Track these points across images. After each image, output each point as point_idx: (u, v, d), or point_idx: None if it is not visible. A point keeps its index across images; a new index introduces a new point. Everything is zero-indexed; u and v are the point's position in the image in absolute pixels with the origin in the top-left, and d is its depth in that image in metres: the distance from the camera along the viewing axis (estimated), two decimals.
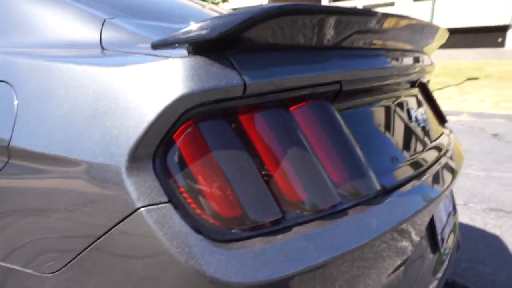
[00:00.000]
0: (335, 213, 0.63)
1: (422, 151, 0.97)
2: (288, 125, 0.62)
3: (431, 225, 0.95)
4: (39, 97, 0.66)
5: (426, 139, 1.04)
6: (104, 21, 0.84)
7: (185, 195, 0.56)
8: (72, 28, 0.87)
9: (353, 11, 0.67)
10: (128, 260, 0.56)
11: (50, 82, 0.66)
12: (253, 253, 0.54)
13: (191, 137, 0.56)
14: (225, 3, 16.42)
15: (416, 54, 1.02)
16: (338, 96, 0.72)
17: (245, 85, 0.54)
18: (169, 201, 0.54)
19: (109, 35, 0.80)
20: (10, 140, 0.67)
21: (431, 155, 0.98)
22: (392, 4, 17.90)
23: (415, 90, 1.11)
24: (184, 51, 0.56)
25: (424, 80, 1.17)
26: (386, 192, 0.72)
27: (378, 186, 0.69)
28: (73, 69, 0.63)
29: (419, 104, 1.10)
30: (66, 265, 0.62)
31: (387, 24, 0.77)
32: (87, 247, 0.59)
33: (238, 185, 0.56)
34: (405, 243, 0.73)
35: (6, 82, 0.72)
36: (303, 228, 0.59)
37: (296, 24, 0.59)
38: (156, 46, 0.57)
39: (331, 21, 0.63)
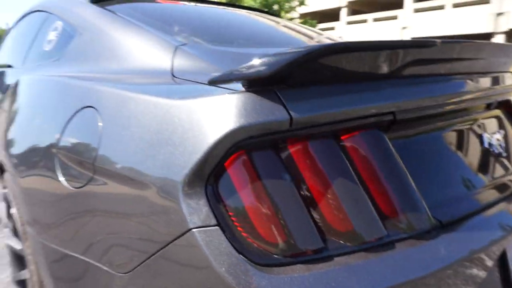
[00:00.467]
0: (381, 245, 0.62)
1: (492, 182, 0.90)
2: (337, 154, 0.63)
3: (503, 261, 0.83)
4: (118, 123, 0.75)
5: (500, 168, 0.95)
6: (176, 48, 0.92)
7: (233, 219, 0.59)
8: (147, 54, 0.97)
9: (403, 44, 0.68)
10: (184, 272, 0.61)
11: (126, 109, 0.74)
12: (293, 280, 0.55)
13: (241, 166, 0.59)
14: (302, 6, 16.32)
15: (491, 75, 0.95)
16: (394, 125, 0.71)
17: (291, 119, 0.57)
18: (217, 224, 0.57)
19: (179, 62, 0.88)
20: (95, 158, 0.76)
21: (503, 187, 0.91)
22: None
23: (495, 112, 1.02)
24: (239, 85, 0.60)
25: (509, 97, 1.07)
26: (442, 226, 0.69)
27: (432, 220, 0.67)
28: (144, 99, 0.71)
29: (500, 126, 1.01)
30: (137, 266, 0.68)
31: (445, 52, 0.75)
32: (156, 252, 0.64)
33: (282, 212, 0.58)
34: (463, 282, 0.68)
35: (93, 107, 0.82)
36: (345, 258, 0.59)
37: (346, 61, 0.61)
38: (212, 82, 0.63)
39: (382, 56, 0.65)
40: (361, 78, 0.67)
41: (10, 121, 1.29)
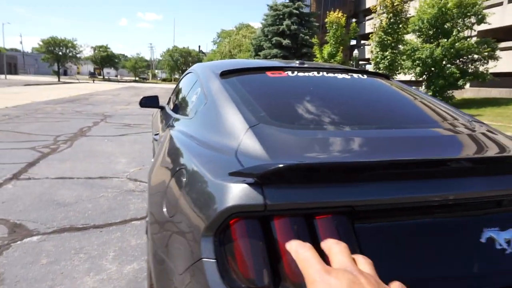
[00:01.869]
0: None
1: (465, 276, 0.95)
2: (302, 229, 0.85)
3: None
4: (182, 185, 1.16)
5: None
6: (247, 129, 1.20)
7: (228, 257, 0.86)
8: (229, 130, 1.26)
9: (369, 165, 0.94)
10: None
11: (189, 177, 1.13)
12: None
13: (236, 226, 0.86)
14: (482, 23, 15.81)
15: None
16: (363, 215, 0.90)
17: (265, 205, 0.85)
18: (216, 259, 0.86)
19: (245, 144, 1.14)
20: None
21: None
22: None
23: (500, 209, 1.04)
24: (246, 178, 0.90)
25: None
26: None
27: None
28: (199, 170, 1.09)
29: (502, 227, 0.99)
30: (186, 270, 0.94)
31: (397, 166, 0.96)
32: (192, 264, 0.92)
33: (255, 259, 0.83)
34: None
35: (183, 168, 1.22)
36: None
37: (316, 171, 0.90)
38: (231, 174, 0.93)
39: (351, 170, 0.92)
40: (328, 179, 0.90)
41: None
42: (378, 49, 19.59)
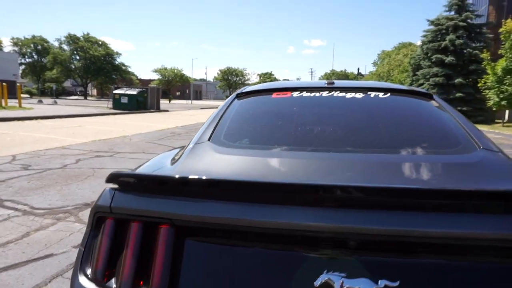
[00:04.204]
0: None
1: None
2: (135, 235, 0.95)
3: None
4: None
5: None
6: (194, 144, 1.44)
7: (89, 248, 1.02)
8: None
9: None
10: None
11: None
12: None
13: (98, 223, 1.02)
14: None
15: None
16: (200, 232, 0.95)
17: (110, 207, 0.98)
18: (84, 248, 1.02)
19: (180, 158, 1.32)
20: None
21: None
22: None
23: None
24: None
25: None
26: None
27: None
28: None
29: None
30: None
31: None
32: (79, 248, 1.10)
33: (101, 254, 0.97)
34: None
35: None
36: None
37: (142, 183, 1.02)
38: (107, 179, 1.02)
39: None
40: (154, 193, 0.98)
41: None
42: None
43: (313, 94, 1.88)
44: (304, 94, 1.88)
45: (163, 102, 35.19)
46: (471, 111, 27.30)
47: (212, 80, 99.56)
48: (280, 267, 0.89)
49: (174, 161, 1.35)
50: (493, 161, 1.24)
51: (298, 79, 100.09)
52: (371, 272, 0.83)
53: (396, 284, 0.82)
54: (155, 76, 63.81)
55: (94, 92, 73.75)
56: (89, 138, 9.55)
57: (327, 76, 74.89)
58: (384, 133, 1.56)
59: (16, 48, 53.88)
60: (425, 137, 1.51)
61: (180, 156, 1.35)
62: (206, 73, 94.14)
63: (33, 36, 54.91)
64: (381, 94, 1.84)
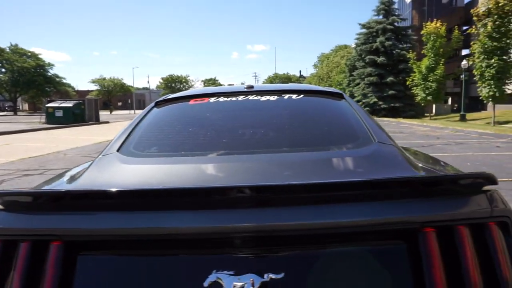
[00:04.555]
0: None
1: None
2: (18, 255, 0.90)
3: None
4: None
5: None
6: (100, 155, 1.43)
7: None
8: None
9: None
10: None
11: None
12: None
13: None
14: None
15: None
16: (91, 245, 0.93)
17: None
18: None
19: (85, 170, 1.33)
20: None
21: None
22: None
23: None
24: None
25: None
26: None
27: None
28: None
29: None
30: None
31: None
32: None
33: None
34: None
35: None
36: None
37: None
38: None
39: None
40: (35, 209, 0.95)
41: None
42: (482, 57, 17.33)
43: (229, 98, 1.92)
44: (221, 99, 1.93)
45: (104, 113, 33.67)
46: (403, 107, 29.51)
47: (155, 89, 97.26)
48: (168, 271, 0.91)
49: (77, 174, 1.33)
50: (383, 153, 1.33)
51: (242, 83, 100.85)
52: (257, 267, 0.87)
53: (281, 276, 0.86)
54: (94, 87, 60.86)
55: (26, 106, 68.46)
56: (17, 156, 8.86)
57: (270, 79, 76.49)
58: (290, 133, 1.64)
59: None
60: (327, 135, 1.60)
61: (86, 169, 1.33)
62: (148, 82, 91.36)
63: None
64: (294, 96, 1.92)
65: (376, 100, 30.02)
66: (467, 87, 23.79)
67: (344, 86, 36.39)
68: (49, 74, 49.65)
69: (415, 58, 25.14)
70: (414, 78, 25.18)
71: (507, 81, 17.00)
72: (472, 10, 18.38)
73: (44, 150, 9.97)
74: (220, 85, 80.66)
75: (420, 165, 1.37)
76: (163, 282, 0.90)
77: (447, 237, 0.91)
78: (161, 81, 59.76)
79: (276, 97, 1.91)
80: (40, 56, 49.53)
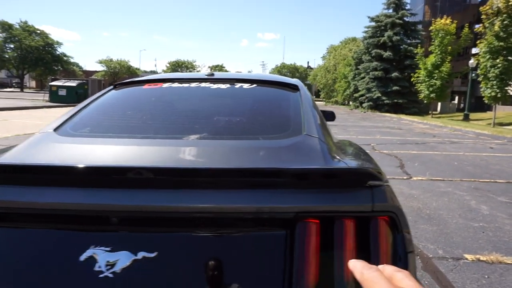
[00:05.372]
0: None
1: None
2: None
3: None
4: None
5: None
6: (36, 133, 1.45)
7: None
8: None
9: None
10: None
11: None
12: None
13: None
14: None
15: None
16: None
17: None
18: None
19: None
20: None
21: None
22: None
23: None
24: None
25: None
26: None
27: None
28: None
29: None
30: None
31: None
32: None
33: None
34: None
35: None
36: None
37: None
38: None
39: None
40: None
41: None
42: (487, 57, 17.09)
43: (182, 85, 1.97)
44: (174, 85, 1.97)
45: None
46: (406, 103, 29.22)
47: (162, 72, 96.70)
48: (48, 245, 0.96)
49: (8, 149, 1.38)
50: (301, 144, 1.33)
51: (249, 71, 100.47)
52: (131, 246, 0.92)
53: (154, 255, 0.91)
54: (101, 68, 60.98)
55: (33, 84, 68.79)
56: (13, 132, 9.02)
57: (278, 69, 76.01)
58: (221, 121, 1.66)
59: None
60: (256, 125, 1.62)
61: (17, 145, 1.38)
62: (155, 65, 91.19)
63: None
64: (246, 85, 1.93)
65: (379, 95, 29.77)
66: (474, 86, 23.50)
67: (349, 79, 36.09)
68: (57, 52, 49.76)
69: (422, 54, 24.80)
70: (419, 75, 24.90)
71: (510, 82, 16.76)
72: (481, 8, 18.04)
73: (41, 128, 10.09)
74: (227, 71, 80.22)
75: (336, 158, 1.34)
76: (44, 255, 0.95)
77: (327, 229, 0.93)
78: (168, 65, 59.59)
79: (228, 85, 1.94)
80: (48, 35, 49.61)
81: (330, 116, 3.59)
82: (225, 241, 0.97)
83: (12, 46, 47.52)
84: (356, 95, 33.15)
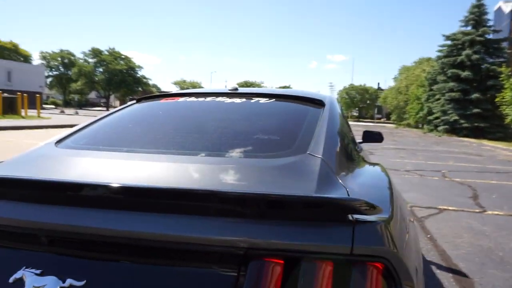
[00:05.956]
0: None
1: None
2: None
3: None
4: None
5: None
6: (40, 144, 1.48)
7: None
8: None
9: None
10: None
11: None
12: None
13: None
14: None
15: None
16: None
17: None
18: None
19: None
20: None
21: None
22: None
23: None
24: None
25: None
26: None
27: None
28: None
29: None
30: None
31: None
32: None
33: None
34: None
35: None
36: None
37: None
38: None
39: None
40: None
41: None
42: None
43: (197, 99, 1.91)
44: (190, 99, 1.92)
45: None
46: (489, 127, 26.44)
47: None
48: None
49: (8, 160, 1.37)
50: (296, 164, 1.16)
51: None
52: (62, 271, 0.84)
53: (82, 283, 0.81)
54: (175, 89, 65.30)
55: (117, 103, 76.16)
56: None
57: (345, 90, 74.43)
58: (223, 137, 1.54)
59: (44, 62, 56.48)
60: (259, 142, 1.46)
61: (18, 155, 1.38)
62: (226, 86, 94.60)
63: (61, 50, 57.44)
64: (263, 100, 1.83)
65: (457, 118, 27.37)
66: None
67: (422, 101, 33.92)
68: (138, 75, 54.67)
69: (508, 73, 22.45)
70: (505, 96, 22.49)
71: None
72: None
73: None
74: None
75: (327, 184, 1.08)
76: None
77: (293, 272, 0.74)
78: (237, 86, 61.83)
79: (243, 99, 1.84)
80: (131, 59, 54.86)
81: (377, 136, 3.45)
82: (164, 275, 0.81)
83: (101, 69, 53.38)
84: (430, 117, 30.93)
